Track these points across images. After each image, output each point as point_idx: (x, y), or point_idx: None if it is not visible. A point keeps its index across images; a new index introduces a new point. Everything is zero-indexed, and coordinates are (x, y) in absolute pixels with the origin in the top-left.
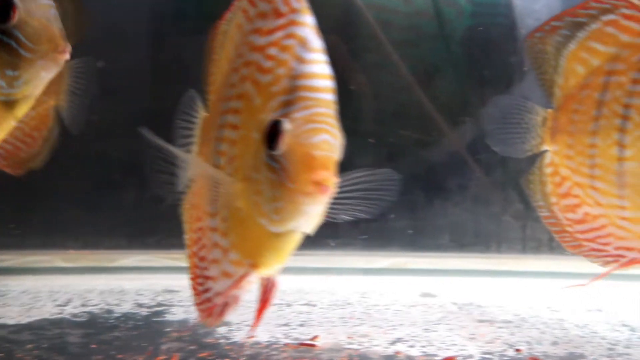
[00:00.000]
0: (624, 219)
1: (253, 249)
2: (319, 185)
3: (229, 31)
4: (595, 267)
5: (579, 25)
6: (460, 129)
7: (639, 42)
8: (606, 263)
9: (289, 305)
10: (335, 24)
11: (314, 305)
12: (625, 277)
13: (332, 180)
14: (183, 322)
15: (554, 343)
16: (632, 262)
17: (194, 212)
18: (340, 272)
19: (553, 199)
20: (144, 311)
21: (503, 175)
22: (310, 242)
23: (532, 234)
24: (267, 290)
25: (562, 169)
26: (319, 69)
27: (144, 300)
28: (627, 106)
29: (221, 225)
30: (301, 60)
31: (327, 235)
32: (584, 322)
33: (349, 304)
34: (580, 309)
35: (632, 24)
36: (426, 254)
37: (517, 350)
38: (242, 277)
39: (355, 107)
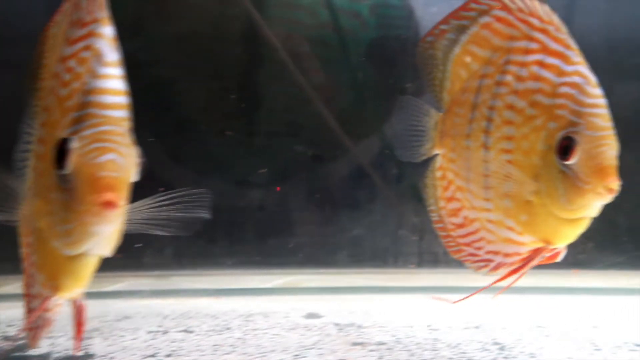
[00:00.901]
0: (490, 221)
1: (52, 271)
2: (104, 206)
3: (57, 35)
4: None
5: (462, 29)
6: (361, 143)
7: (507, 46)
8: (478, 268)
9: (165, 332)
10: (234, 37)
11: (191, 332)
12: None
13: (117, 201)
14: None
15: None
16: (498, 266)
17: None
18: (230, 294)
19: (441, 203)
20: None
21: (400, 189)
22: (206, 262)
23: (429, 248)
24: (77, 314)
25: (448, 172)
26: (110, 85)
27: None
28: (491, 108)
29: (32, 245)
30: (94, 74)
31: (224, 254)
32: (457, 341)
33: (228, 329)
34: (459, 327)
35: (502, 27)
36: (322, 271)
37: None
38: (44, 300)
39: (251, 121)
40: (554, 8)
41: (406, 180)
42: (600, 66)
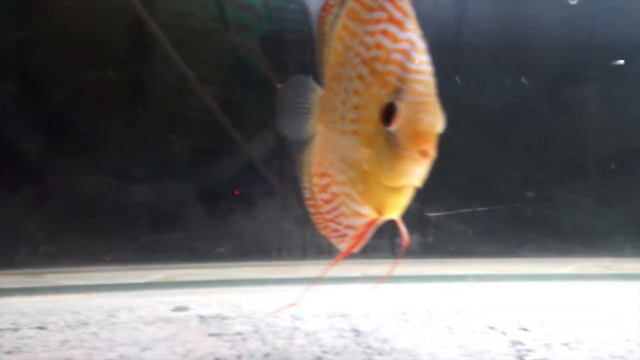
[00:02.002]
0: (346, 195)
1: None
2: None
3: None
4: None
5: (343, 3)
6: (246, 136)
7: (367, 17)
8: (338, 243)
9: (16, 329)
10: (117, 28)
11: (44, 329)
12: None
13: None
14: None
15: (266, 355)
16: (353, 245)
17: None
18: (102, 289)
19: (314, 180)
20: None
21: (284, 182)
22: (82, 258)
23: (313, 240)
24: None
25: (322, 148)
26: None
27: None
28: (349, 79)
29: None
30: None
31: (101, 251)
32: (316, 329)
33: (85, 324)
34: (324, 316)
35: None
36: (202, 265)
37: None
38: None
39: (131, 114)
40: None
41: (291, 172)
42: None
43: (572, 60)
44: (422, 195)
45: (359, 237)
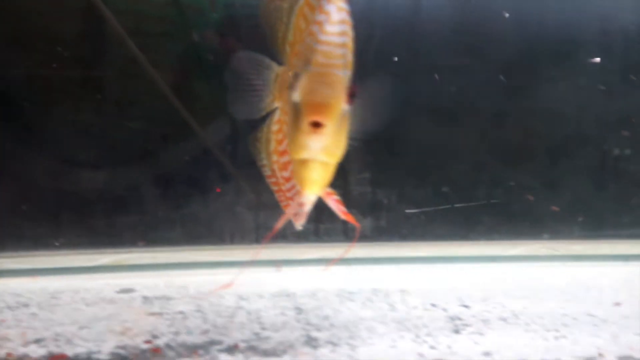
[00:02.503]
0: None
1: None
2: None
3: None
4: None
5: None
6: (200, 121)
7: None
8: (296, 221)
9: None
10: (67, 9)
11: None
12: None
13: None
14: None
15: (204, 332)
16: (279, 224)
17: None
18: (48, 273)
19: (274, 157)
20: None
21: (239, 166)
22: (31, 243)
23: (266, 223)
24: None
25: (284, 125)
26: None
27: None
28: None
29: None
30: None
31: (50, 235)
32: (260, 308)
33: (25, 305)
34: (270, 296)
35: None
36: (155, 249)
37: (148, 342)
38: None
39: (81, 98)
40: None
41: (246, 156)
42: None
43: (522, 46)
44: (373, 180)
45: (287, 216)
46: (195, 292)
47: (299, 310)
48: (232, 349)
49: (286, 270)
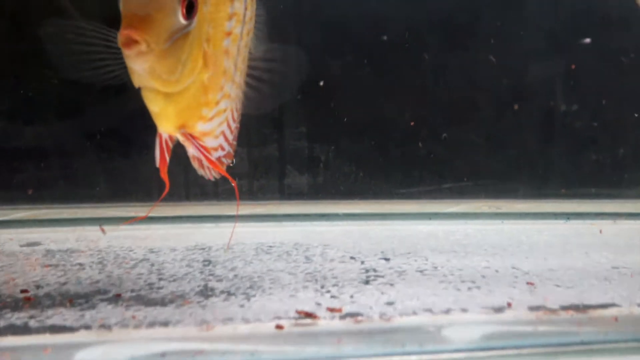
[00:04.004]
0: None
1: None
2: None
3: None
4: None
5: None
6: None
7: None
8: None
9: None
10: None
11: None
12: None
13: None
14: None
15: (95, 282)
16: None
17: None
18: None
19: None
20: None
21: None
22: None
23: (195, 180)
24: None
25: None
26: None
27: None
28: None
29: None
30: None
31: None
32: (165, 260)
33: None
34: (183, 249)
35: None
36: (80, 205)
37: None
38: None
39: None
40: None
41: None
42: None
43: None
44: (311, 134)
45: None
46: (106, 246)
47: (207, 262)
48: (114, 299)
49: (211, 227)
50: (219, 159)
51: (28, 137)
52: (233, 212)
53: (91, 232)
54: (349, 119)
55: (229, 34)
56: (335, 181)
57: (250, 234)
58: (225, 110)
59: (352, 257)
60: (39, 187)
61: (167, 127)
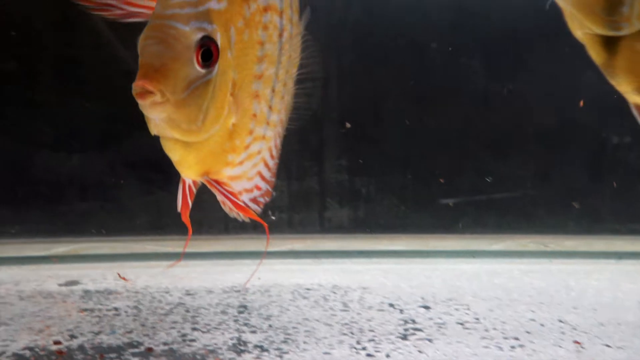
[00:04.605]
0: None
1: None
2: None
3: None
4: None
5: None
6: None
7: None
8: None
9: None
10: None
11: None
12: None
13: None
14: None
15: (128, 332)
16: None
17: None
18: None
19: None
20: None
21: None
22: None
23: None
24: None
25: None
26: None
27: None
28: None
29: None
30: None
31: (7, 222)
32: (202, 305)
33: None
34: (219, 291)
35: None
36: (115, 238)
37: (58, 343)
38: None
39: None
40: None
41: None
42: None
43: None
44: (352, 167)
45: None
46: (143, 286)
47: (243, 308)
48: (145, 354)
49: (249, 263)
50: (254, 199)
51: (69, 169)
52: (272, 248)
53: (130, 269)
54: (391, 152)
55: (259, 76)
56: (376, 215)
57: (288, 272)
58: (259, 152)
59: (390, 305)
60: (79, 220)
61: (188, 174)
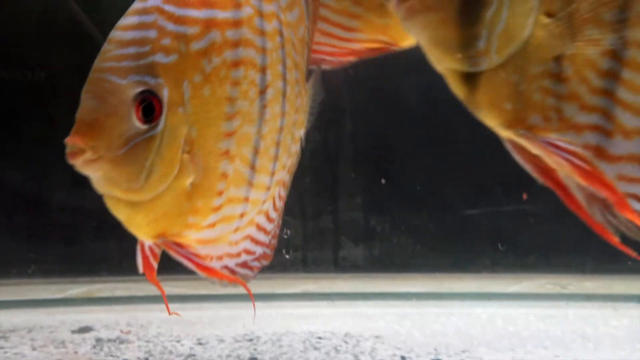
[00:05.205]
0: None
1: None
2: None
3: None
4: None
5: None
6: None
7: None
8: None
9: None
10: None
11: None
12: None
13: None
14: None
15: None
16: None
17: None
18: (11, 306)
19: None
20: None
21: None
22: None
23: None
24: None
25: None
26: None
27: None
28: None
29: None
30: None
31: (24, 262)
32: (212, 356)
33: None
34: (231, 339)
35: None
36: (130, 279)
37: None
38: None
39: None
40: None
41: None
42: None
43: None
44: (365, 205)
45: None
46: (156, 334)
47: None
48: None
49: (261, 306)
50: (244, 263)
51: (85, 208)
52: (286, 290)
53: (142, 314)
54: (406, 190)
55: (229, 134)
56: (391, 254)
57: (301, 317)
58: (242, 215)
59: (402, 358)
60: (94, 260)
61: (141, 235)
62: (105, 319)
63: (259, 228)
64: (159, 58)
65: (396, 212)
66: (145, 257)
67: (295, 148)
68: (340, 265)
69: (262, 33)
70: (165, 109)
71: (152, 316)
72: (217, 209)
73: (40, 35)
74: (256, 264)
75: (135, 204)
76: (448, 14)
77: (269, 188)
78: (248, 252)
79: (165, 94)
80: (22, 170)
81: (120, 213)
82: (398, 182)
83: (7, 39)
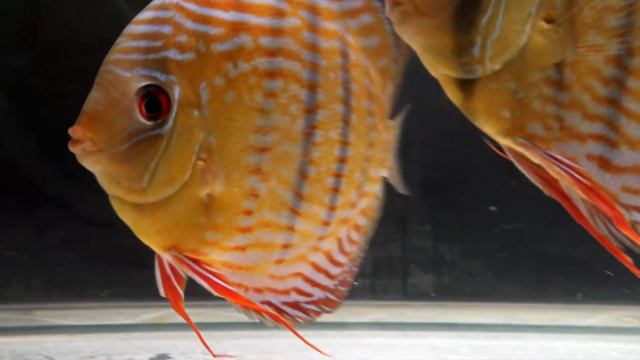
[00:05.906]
0: None
1: None
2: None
3: None
4: None
5: None
6: None
7: None
8: None
9: None
10: None
11: None
12: None
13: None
14: None
15: None
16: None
17: None
18: (89, 330)
19: None
20: None
21: None
22: (76, 294)
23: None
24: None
25: None
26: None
27: None
28: None
29: None
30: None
31: (97, 285)
32: None
33: None
34: None
35: None
36: (201, 303)
37: None
38: None
39: None
40: None
41: None
42: None
43: None
44: (434, 231)
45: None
46: None
47: None
48: None
49: (331, 335)
50: (295, 304)
51: None
52: (354, 318)
53: (215, 340)
54: (476, 216)
55: (260, 150)
56: (461, 282)
57: (373, 347)
58: (285, 247)
59: None
60: None
61: (151, 245)
62: (181, 346)
63: (317, 268)
64: (172, 54)
65: (466, 239)
66: (165, 277)
67: (373, 189)
68: (408, 293)
69: (312, 48)
70: (175, 108)
71: (227, 344)
72: (246, 230)
73: None
74: (314, 307)
75: (140, 207)
76: (442, 19)
77: (327, 223)
78: (300, 292)
79: (176, 92)
80: (94, 194)
81: (125, 216)
82: (468, 208)
83: None
